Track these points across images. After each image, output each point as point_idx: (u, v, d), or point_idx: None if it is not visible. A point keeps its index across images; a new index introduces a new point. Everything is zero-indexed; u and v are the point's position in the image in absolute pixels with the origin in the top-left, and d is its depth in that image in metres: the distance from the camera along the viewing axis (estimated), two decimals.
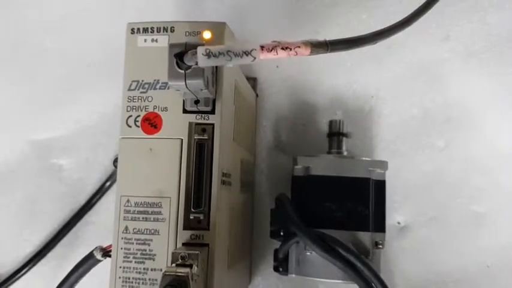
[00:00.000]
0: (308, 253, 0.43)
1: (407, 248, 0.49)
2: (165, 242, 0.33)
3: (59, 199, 0.53)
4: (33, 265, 0.51)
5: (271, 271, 0.49)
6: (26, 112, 0.54)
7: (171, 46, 0.30)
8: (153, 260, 0.33)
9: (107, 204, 0.52)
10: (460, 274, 0.49)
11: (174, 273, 0.29)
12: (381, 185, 0.44)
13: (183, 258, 0.30)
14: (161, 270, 0.31)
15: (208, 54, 0.28)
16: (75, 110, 0.54)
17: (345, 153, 0.47)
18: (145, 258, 0.33)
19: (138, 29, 0.36)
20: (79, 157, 0.53)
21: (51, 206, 0.53)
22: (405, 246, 0.49)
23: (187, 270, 0.29)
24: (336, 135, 0.47)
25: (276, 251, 0.44)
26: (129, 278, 0.33)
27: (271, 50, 0.28)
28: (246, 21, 0.52)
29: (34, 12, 0.55)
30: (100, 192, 0.51)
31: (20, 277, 0.51)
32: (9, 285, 0.51)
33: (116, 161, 0.44)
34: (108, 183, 0.51)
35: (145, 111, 0.35)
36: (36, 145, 0.54)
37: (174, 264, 0.30)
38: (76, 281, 0.40)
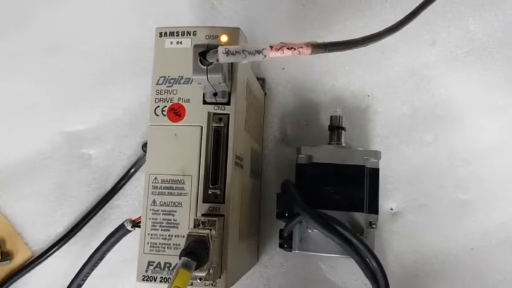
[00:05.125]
0: (310, 231, 0.48)
1: (399, 232, 0.53)
2: (187, 213, 0.38)
3: (88, 185, 0.57)
4: (64, 243, 0.56)
5: (277, 251, 0.54)
6: (59, 107, 0.59)
7: (196, 46, 0.36)
8: (177, 228, 0.38)
9: (131, 190, 0.57)
10: (446, 256, 0.53)
11: (197, 234, 0.34)
12: (374, 172, 0.49)
13: (203, 223, 0.36)
14: (183, 236, 0.36)
15: (227, 53, 0.33)
16: (103, 105, 0.58)
17: (344, 144, 0.51)
18: (170, 227, 0.38)
19: (166, 32, 0.41)
20: (106, 147, 0.57)
21: (80, 191, 0.57)
22: (397, 230, 0.53)
23: (207, 231, 0.35)
24: (335, 128, 0.51)
25: (281, 231, 0.49)
26: (156, 244, 0.38)
27: (278, 49, 0.33)
28: (255, 29, 0.57)
29: (67, 18, 0.60)
30: (125, 178, 0.56)
31: (51, 254, 0.55)
32: (42, 261, 0.55)
33: (144, 145, 0.49)
34: (132, 171, 0.55)
35: (170, 102, 0.40)
36: (68, 136, 0.58)
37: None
38: (108, 250, 0.45)
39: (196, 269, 0.32)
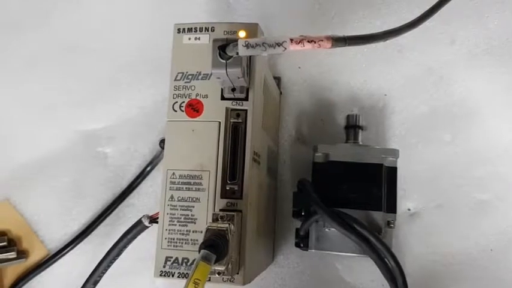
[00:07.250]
0: (326, 229, 0.47)
1: (417, 232, 0.53)
2: (205, 208, 0.38)
3: (103, 183, 0.57)
4: (79, 242, 0.56)
5: (292, 250, 0.53)
6: (75, 106, 0.59)
7: (215, 40, 0.36)
8: (195, 223, 0.38)
9: (146, 189, 0.57)
10: (465, 257, 0.52)
11: (216, 227, 0.34)
12: (392, 171, 0.48)
13: (222, 217, 0.36)
14: (201, 232, 0.36)
15: (247, 45, 0.33)
16: (118, 104, 0.58)
17: (361, 143, 0.51)
18: (188, 222, 0.38)
19: (184, 29, 0.41)
20: (121, 146, 0.58)
21: (96, 189, 0.57)
22: (415, 230, 0.53)
23: (226, 225, 0.34)
24: (352, 127, 0.51)
25: (297, 230, 0.49)
26: (173, 239, 0.38)
27: (299, 42, 0.33)
28: (272, 29, 0.56)
29: (83, 18, 0.61)
30: (140, 177, 0.56)
31: (67, 252, 0.56)
32: (58, 259, 0.56)
33: (162, 142, 0.49)
34: (147, 169, 0.55)
35: (188, 98, 0.40)
36: (84, 135, 0.58)
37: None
38: (125, 246, 0.45)
39: (215, 262, 0.32)
